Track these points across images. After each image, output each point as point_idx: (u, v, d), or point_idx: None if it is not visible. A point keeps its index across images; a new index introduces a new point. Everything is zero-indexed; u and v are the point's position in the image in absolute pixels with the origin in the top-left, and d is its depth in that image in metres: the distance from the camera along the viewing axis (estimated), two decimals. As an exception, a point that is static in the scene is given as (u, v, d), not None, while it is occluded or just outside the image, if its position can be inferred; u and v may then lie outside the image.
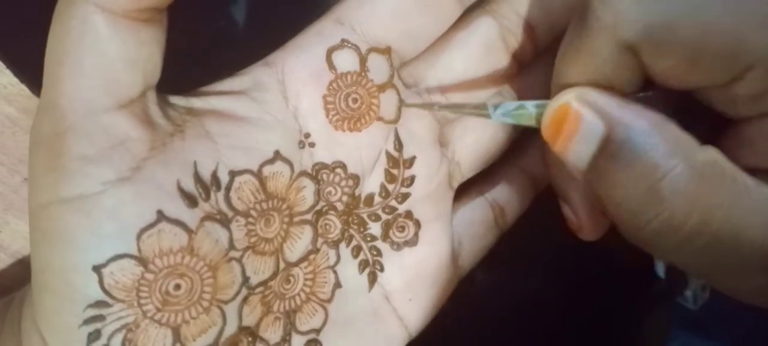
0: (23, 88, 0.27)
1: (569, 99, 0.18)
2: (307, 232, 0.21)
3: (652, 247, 0.17)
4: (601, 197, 0.18)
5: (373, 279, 0.22)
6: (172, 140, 0.18)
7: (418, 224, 0.23)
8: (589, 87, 0.18)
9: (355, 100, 0.21)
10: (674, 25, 0.16)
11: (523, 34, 0.22)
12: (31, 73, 0.27)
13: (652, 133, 0.17)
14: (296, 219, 0.21)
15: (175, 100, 0.19)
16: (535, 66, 0.23)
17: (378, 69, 0.21)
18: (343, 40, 0.20)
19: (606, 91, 0.18)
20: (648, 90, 0.18)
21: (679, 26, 0.16)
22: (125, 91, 0.17)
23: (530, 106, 0.19)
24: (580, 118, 0.17)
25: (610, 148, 0.17)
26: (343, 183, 0.21)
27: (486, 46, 0.22)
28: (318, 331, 0.21)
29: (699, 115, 0.18)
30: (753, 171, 0.17)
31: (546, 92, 0.20)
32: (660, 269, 0.28)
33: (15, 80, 0.27)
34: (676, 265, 0.18)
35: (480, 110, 0.19)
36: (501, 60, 0.22)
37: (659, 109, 0.17)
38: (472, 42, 0.22)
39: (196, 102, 0.19)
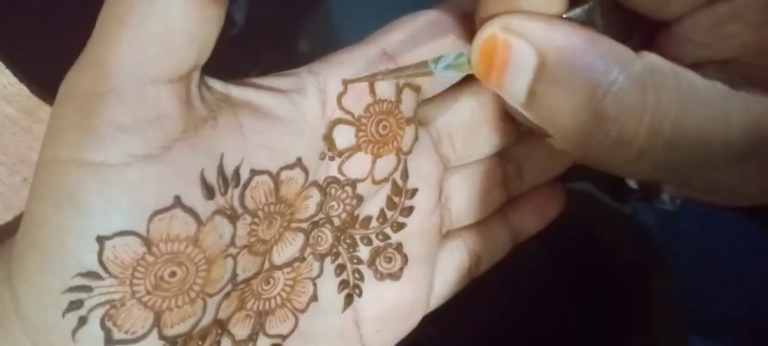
0: (23, 88, 0.27)
1: (494, 30, 0.17)
2: (299, 239, 0.21)
3: (608, 166, 0.17)
4: (546, 127, 0.17)
5: (349, 301, 0.22)
6: (205, 126, 0.18)
7: (405, 259, 0.23)
8: (513, 14, 0.17)
9: (384, 128, 0.21)
10: None
11: None
12: (31, 73, 0.27)
13: (586, 50, 0.16)
14: (293, 225, 0.21)
15: (214, 83, 0.19)
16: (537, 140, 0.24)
17: (407, 103, 0.21)
18: (386, 70, 0.20)
19: (531, 15, 0.17)
20: (574, 8, 0.18)
21: None
22: (177, 65, 0.17)
23: (468, 52, 0.18)
24: (509, 47, 0.17)
25: (546, 74, 0.16)
26: (348, 200, 0.21)
27: (495, 100, 0.23)
28: (284, 337, 0.21)
29: (631, 26, 0.18)
30: (697, 67, 0.17)
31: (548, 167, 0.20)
32: (631, 182, 0.28)
33: (15, 80, 0.27)
34: (637, 178, 0.17)
35: (421, 69, 0.19)
36: (504, 112, 0.23)
37: (589, 25, 0.17)
38: (482, 92, 0.23)
39: (234, 90, 0.19)
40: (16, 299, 0.17)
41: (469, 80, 0.22)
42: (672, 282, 0.32)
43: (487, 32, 0.17)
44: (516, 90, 0.17)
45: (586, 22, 0.17)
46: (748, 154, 0.16)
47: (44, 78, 0.28)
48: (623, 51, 0.16)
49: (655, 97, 0.15)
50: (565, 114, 0.16)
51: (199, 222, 0.18)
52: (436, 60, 0.19)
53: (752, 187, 0.17)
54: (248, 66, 0.21)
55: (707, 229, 0.33)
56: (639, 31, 0.19)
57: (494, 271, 0.25)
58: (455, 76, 0.19)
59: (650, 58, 0.16)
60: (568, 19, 0.17)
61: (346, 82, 0.21)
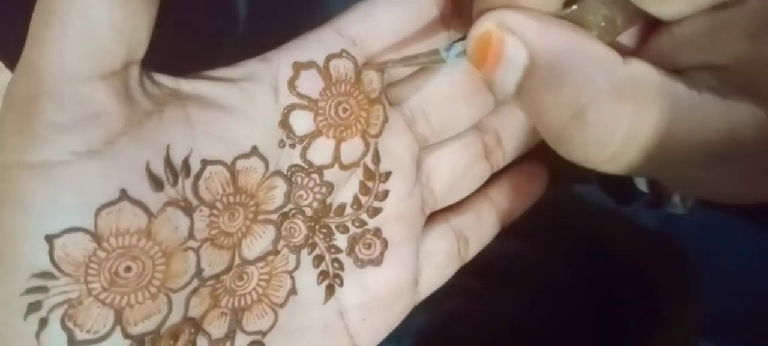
0: (23, 88, 0.27)
1: (489, 25, 0.17)
2: (270, 232, 0.21)
3: (585, 163, 0.17)
4: (530, 118, 0.18)
5: (330, 292, 0.22)
6: (149, 119, 0.18)
7: (385, 244, 0.23)
8: (509, 10, 0.17)
9: (345, 110, 0.21)
10: None
11: None
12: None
13: (573, 55, 0.17)
14: (260, 217, 0.20)
15: (162, 79, 0.19)
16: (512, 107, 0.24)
17: (370, 84, 0.21)
18: (342, 50, 0.21)
19: (527, 13, 0.17)
20: (572, 4, 0.18)
21: None
22: (108, 61, 0.17)
23: None
24: (503, 45, 0.17)
25: (535, 74, 0.17)
26: (316, 189, 0.21)
27: (469, 73, 0.23)
28: (264, 333, 0.21)
29: (630, 21, 0.18)
30: (692, 70, 0.17)
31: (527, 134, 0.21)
32: (641, 184, 0.27)
33: (15, 80, 0.27)
34: (611, 173, 0.18)
35: (434, 56, 0.19)
36: (478, 85, 0.23)
37: (584, 23, 0.17)
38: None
39: (183, 84, 0.19)
40: None
41: None
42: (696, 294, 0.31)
43: (483, 26, 0.17)
44: (506, 84, 0.17)
45: (581, 19, 0.17)
46: (726, 159, 0.17)
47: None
48: (610, 57, 0.17)
49: (633, 107, 0.16)
50: (549, 112, 0.17)
51: (150, 214, 0.18)
52: (448, 48, 0.19)
53: (737, 187, 0.18)
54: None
55: (708, 229, 0.33)
56: (639, 27, 0.19)
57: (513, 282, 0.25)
58: (464, 64, 0.19)
59: (635, 66, 0.17)
60: (564, 16, 0.17)
61: (360, 69, 0.21)
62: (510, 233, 0.26)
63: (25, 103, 0.17)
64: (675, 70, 0.17)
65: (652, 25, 0.19)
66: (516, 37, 0.17)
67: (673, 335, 0.30)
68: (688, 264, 0.31)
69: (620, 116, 0.16)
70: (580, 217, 0.31)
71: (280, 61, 0.20)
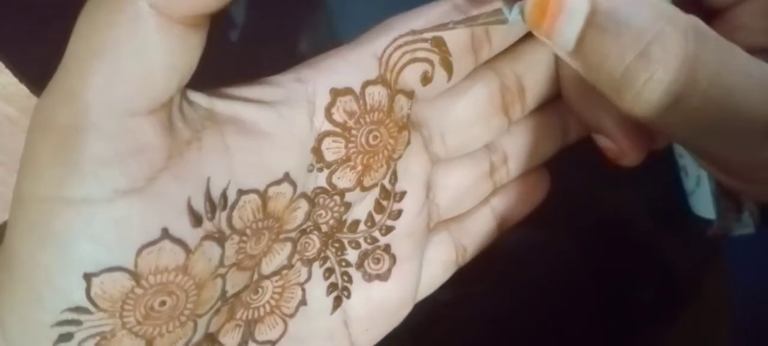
0: (23, 88, 0.27)
1: None
2: (287, 248, 0.21)
3: (648, 113, 0.18)
4: (590, 73, 0.18)
5: (337, 304, 0.22)
6: (189, 150, 0.17)
7: (393, 260, 0.23)
8: None
9: (375, 138, 0.21)
10: None
11: (517, 93, 0.23)
12: (31, 73, 0.27)
13: (637, 2, 0.17)
14: (281, 236, 0.20)
15: (196, 98, 0.18)
16: (519, 123, 0.24)
17: (400, 111, 0.21)
18: (379, 76, 0.20)
19: None
20: None
21: None
22: (159, 96, 0.16)
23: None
24: None
25: (597, 21, 0.17)
26: (336, 208, 0.21)
27: (486, 97, 0.23)
28: (274, 343, 0.21)
29: (686, 7, 0.19)
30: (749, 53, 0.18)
31: (532, 155, 0.22)
32: (710, 210, 0.27)
33: (15, 80, 0.27)
34: (674, 137, 0.18)
35: (496, 16, 0.20)
36: (497, 111, 0.23)
37: None
38: (475, 91, 0.23)
39: (219, 105, 0.19)
40: (4, 328, 0.17)
41: (466, 79, 0.22)
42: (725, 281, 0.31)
43: None
44: (566, 36, 0.18)
45: None
46: None
47: (44, 78, 0.28)
48: (671, 8, 0.17)
49: (696, 48, 0.17)
50: (612, 58, 0.17)
51: (188, 251, 0.17)
52: (509, 7, 0.19)
53: None
54: (248, 67, 0.21)
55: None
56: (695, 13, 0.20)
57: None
58: (523, 25, 0.19)
59: (695, 19, 0.17)
60: None
61: (412, 33, 0.20)
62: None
63: (67, 133, 0.16)
64: None
65: (707, 14, 0.19)
66: None
67: (692, 325, 0.30)
68: (707, 243, 0.30)
69: (684, 55, 0.17)
70: (583, 198, 0.30)
71: (317, 84, 0.20)
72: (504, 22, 0.19)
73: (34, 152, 0.16)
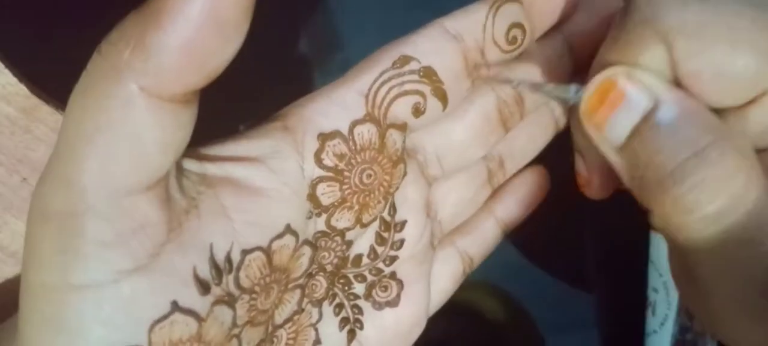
0: (22, 88, 0.27)
1: (617, 72, 0.18)
2: (296, 295, 0.21)
3: (687, 216, 0.17)
4: (635, 170, 0.18)
5: (351, 337, 0.22)
6: (188, 219, 0.17)
7: (401, 285, 0.23)
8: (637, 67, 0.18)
9: (369, 176, 0.20)
10: (706, 23, 0.17)
11: (514, 104, 0.23)
12: (31, 73, 0.27)
13: (697, 110, 0.18)
14: (290, 286, 0.20)
15: (189, 165, 0.18)
16: (517, 130, 0.24)
17: (393, 146, 0.21)
18: (365, 115, 0.20)
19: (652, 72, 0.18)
20: None
21: (710, 26, 0.17)
22: (155, 173, 0.16)
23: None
24: (626, 88, 0.18)
25: (655, 119, 0.18)
26: (338, 249, 0.21)
27: (484, 116, 0.23)
28: None
29: None
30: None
31: (527, 152, 0.23)
32: None
33: (14, 80, 0.27)
34: (690, 261, 0.18)
35: (561, 93, 0.20)
36: (495, 128, 0.23)
37: None
38: (472, 112, 0.23)
39: (210, 168, 0.18)
40: None
41: (462, 105, 0.22)
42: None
43: (610, 72, 0.18)
44: (620, 129, 0.18)
45: None
46: None
47: (44, 78, 0.28)
48: (726, 127, 0.18)
49: (748, 166, 0.17)
50: (663, 154, 0.17)
51: (200, 319, 0.17)
52: (577, 90, 0.20)
53: None
54: (248, 68, 0.21)
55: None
56: None
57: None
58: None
59: (748, 140, 0.18)
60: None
61: (484, 79, 0.21)
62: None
63: (66, 220, 0.16)
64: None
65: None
66: (641, 83, 0.18)
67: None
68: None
69: (739, 166, 0.17)
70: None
71: (305, 131, 0.20)
72: (566, 101, 0.20)
73: (35, 241, 0.16)
